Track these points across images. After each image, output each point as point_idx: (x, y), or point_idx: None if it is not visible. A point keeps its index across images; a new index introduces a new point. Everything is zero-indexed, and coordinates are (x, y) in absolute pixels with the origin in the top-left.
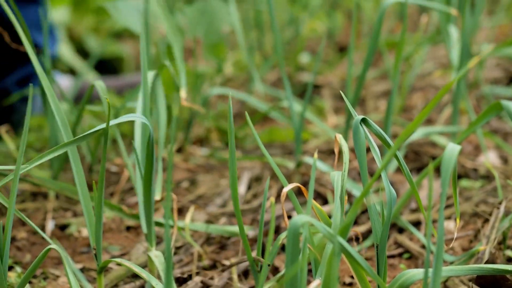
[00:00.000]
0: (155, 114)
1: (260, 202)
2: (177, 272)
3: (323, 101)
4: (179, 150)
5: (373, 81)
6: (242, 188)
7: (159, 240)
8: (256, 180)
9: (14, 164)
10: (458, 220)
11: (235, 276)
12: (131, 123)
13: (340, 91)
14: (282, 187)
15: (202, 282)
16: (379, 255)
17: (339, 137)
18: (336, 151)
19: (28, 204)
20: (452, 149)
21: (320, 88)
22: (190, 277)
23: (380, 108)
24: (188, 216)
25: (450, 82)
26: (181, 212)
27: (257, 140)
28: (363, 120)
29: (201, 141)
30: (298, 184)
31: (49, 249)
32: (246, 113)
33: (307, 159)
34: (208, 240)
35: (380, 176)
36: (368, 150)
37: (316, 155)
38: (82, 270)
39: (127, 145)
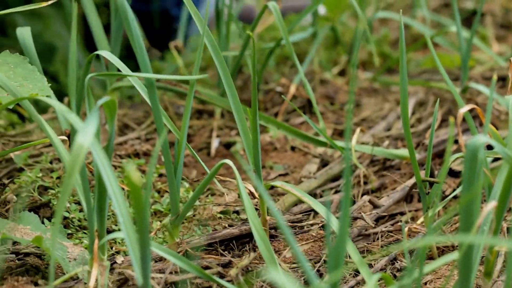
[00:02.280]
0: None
1: (424, 126)
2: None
3: (485, 29)
4: (342, 73)
5: None
6: None
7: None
8: (420, 105)
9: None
10: None
11: (402, 198)
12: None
13: None
14: (446, 112)
15: (370, 201)
16: None
17: None
18: (510, 75)
19: (194, 122)
20: None
21: (482, 16)
22: (354, 197)
23: None
24: (354, 138)
25: None
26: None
27: (436, 61)
28: None
29: (364, 65)
30: (475, 106)
31: (222, 164)
32: (426, 35)
33: (474, 85)
34: (372, 162)
35: None
36: None
37: (495, 76)
38: None
39: (289, 66)
